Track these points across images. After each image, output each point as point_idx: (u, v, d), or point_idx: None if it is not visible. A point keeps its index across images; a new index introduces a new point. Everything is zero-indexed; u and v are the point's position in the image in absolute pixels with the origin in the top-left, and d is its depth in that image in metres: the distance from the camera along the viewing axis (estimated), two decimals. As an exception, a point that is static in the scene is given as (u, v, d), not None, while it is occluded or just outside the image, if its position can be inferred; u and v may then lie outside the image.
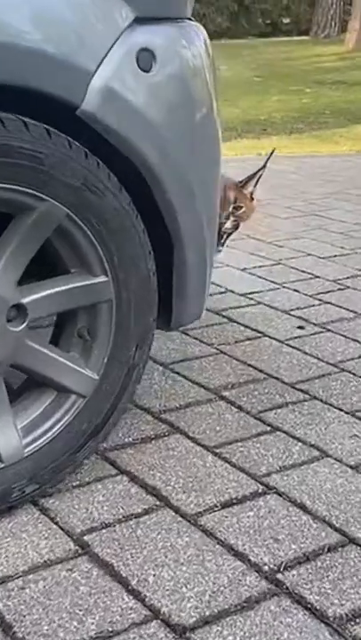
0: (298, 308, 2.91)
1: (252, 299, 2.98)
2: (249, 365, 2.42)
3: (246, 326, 2.72)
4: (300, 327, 2.73)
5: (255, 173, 2.57)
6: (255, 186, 2.57)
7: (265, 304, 2.93)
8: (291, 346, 2.57)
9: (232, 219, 2.50)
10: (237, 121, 7.89)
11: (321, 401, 2.22)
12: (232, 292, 3.05)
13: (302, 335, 2.67)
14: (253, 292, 3.05)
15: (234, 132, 7.29)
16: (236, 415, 2.11)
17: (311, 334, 2.68)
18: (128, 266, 1.64)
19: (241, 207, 2.51)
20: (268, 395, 2.24)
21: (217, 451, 1.94)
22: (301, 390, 2.27)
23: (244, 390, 2.25)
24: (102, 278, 1.62)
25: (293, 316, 2.83)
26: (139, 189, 1.65)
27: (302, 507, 1.73)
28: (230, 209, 2.49)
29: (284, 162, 5.91)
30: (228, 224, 2.50)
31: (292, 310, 2.88)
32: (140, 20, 1.57)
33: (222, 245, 2.53)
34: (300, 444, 1.99)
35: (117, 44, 1.53)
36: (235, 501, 1.74)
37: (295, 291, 3.09)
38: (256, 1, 19.62)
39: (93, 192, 1.55)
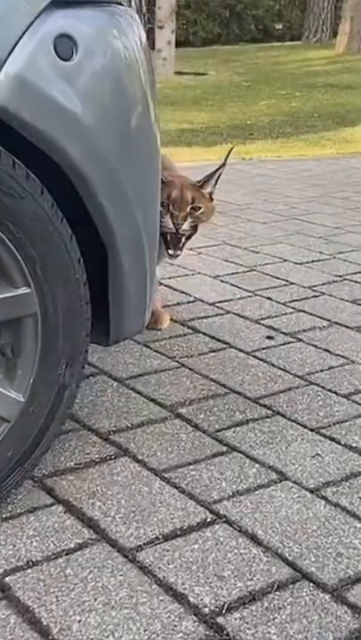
0: (269, 317, 2.75)
1: (221, 308, 2.82)
2: (211, 380, 2.26)
3: (212, 337, 2.56)
4: (269, 337, 2.57)
5: (214, 172, 2.42)
6: (215, 185, 2.42)
7: (234, 313, 2.78)
8: (257, 357, 2.41)
9: (190, 220, 2.34)
10: (223, 126, 7.75)
11: (284, 417, 2.06)
12: (201, 300, 2.89)
13: (271, 346, 2.51)
14: (223, 301, 2.89)
15: (219, 136, 7.15)
16: (191, 435, 1.95)
17: (280, 344, 2.52)
18: (54, 276, 1.48)
19: (199, 207, 2.36)
20: (228, 411, 2.08)
21: (166, 475, 1.78)
22: (264, 406, 2.11)
23: (203, 407, 2.10)
24: (24, 290, 1.47)
25: (263, 325, 2.68)
26: (65, 191, 1.49)
27: (253, 537, 1.57)
28: (188, 209, 2.33)
29: (268, 166, 5.78)
30: (186, 225, 2.34)
31: (262, 319, 2.72)
32: (58, 4, 1.42)
33: (180, 249, 2.38)
34: (257, 465, 1.83)
35: (31, 29, 1.38)
36: (179, 532, 1.58)
37: (268, 298, 2.93)
38: (248, 7, 19.50)
39: (9, 195, 1.40)
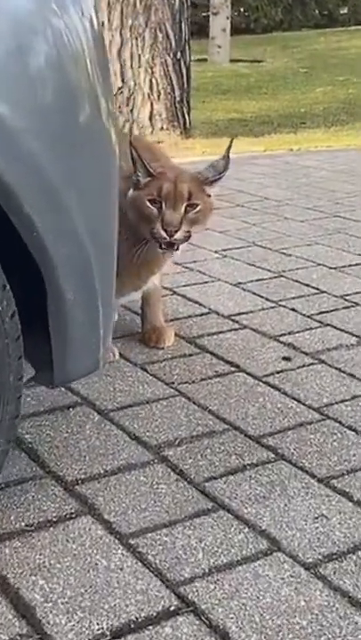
0: (289, 333, 2.40)
1: (236, 321, 2.49)
2: (209, 412, 1.93)
3: (220, 358, 2.23)
4: (286, 358, 2.23)
5: (224, 169, 2.08)
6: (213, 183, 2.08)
7: (251, 328, 2.44)
8: (268, 384, 2.08)
9: (185, 225, 2.00)
10: (274, 115, 7.37)
11: (289, 462, 1.72)
12: (216, 312, 2.56)
13: (286, 369, 2.16)
14: (241, 313, 2.55)
15: (269, 126, 6.77)
16: (173, 486, 1.63)
17: (298, 367, 2.18)
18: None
19: (196, 205, 2.02)
20: (223, 454, 1.75)
21: (132, 542, 1.46)
22: (267, 447, 1.78)
23: (194, 448, 1.77)
24: None
25: (282, 342, 2.33)
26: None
27: (224, 636, 1.24)
28: (182, 208, 2.00)
29: (316, 157, 5.39)
30: (181, 234, 2.00)
31: (281, 335, 2.38)
32: None
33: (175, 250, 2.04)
34: (245, 530, 1.50)
35: None
36: (132, 626, 1.26)
37: (292, 310, 2.58)
38: (311, -8, 18.95)
39: None
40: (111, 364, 2.17)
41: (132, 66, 5.78)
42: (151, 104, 5.82)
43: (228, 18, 11.61)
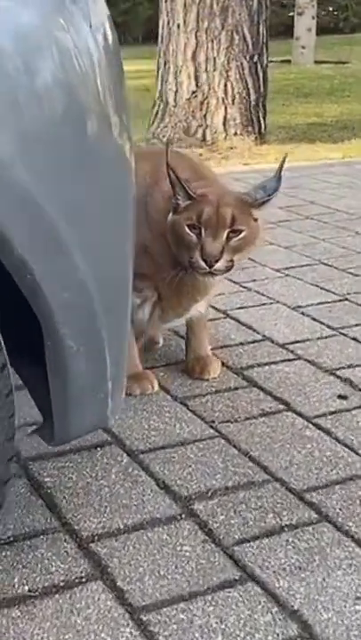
0: (349, 366, 2.20)
1: (291, 351, 2.29)
2: (250, 458, 1.75)
3: (269, 393, 2.04)
4: (342, 397, 2.03)
5: (274, 190, 1.88)
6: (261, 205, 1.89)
7: (306, 359, 2.24)
8: (319, 426, 1.88)
9: (227, 254, 1.82)
10: (356, 119, 7.09)
11: (334, 525, 1.53)
12: (270, 340, 2.37)
13: (341, 409, 1.96)
14: (297, 342, 2.36)
15: (349, 131, 6.51)
16: (198, 549, 1.46)
17: (354, 408, 1.97)
18: None
19: (240, 231, 1.84)
20: (260, 511, 1.56)
21: (144, 618, 1.30)
22: (310, 504, 1.59)
23: (228, 502, 1.59)
24: None
25: (339, 377, 2.13)
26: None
27: None
28: (224, 235, 1.82)
29: None
30: (222, 263, 1.82)
31: (339, 369, 2.18)
32: None
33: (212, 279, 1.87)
34: (275, 609, 1.31)
35: None
36: None
37: (353, 339, 2.38)
38: None
39: None
40: (150, 396, 2.01)
41: (206, 69, 5.61)
42: (225, 108, 5.64)
43: (313, 18, 11.34)
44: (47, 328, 1.09)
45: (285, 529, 1.52)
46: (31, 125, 1.02)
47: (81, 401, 1.17)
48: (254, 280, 2.87)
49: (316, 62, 11.31)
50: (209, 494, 1.62)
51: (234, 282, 2.81)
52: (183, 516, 1.55)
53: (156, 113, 5.82)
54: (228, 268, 1.84)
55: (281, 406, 1.98)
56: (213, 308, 2.54)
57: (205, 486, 1.65)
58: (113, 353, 1.17)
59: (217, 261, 1.80)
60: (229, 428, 1.88)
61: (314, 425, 1.89)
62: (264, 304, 2.65)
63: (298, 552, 1.45)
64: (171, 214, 1.86)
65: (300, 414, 1.94)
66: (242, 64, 5.63)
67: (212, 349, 2.25)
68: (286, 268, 3.01)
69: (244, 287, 2.80)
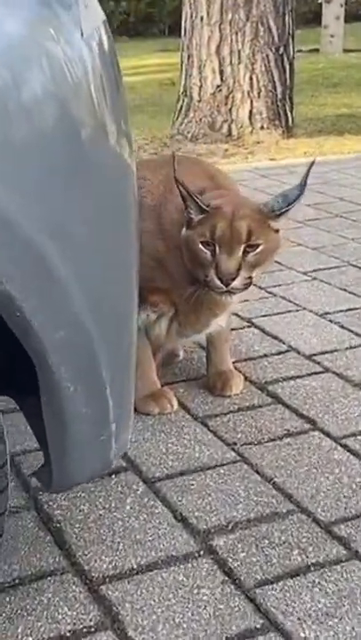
0: (380, 379, 2.07)
1: (319, 363, 2.17)
2: (274, 485, 1.64)
3: (294, 411, 1.92)
4: (372, 414, 1.91)
5: (296, 198, 1.76)
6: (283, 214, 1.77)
7: (334, 372, 2.12)
8: (348, 448, 1.76)
9: (245, 270, 1.71)
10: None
11: (364, 563, 1.41)
12: (296, 351, 2.25)
13: (372, 429, 1.84)
14: (324, 352, 2.24)
15: (378, 122, 6.33)
16: (217, 592, 1.35)
17: (385, 427, 1.85)
18: None
19: (257, 245, 1.72)
20: (284, 547, 1.45)
21: (156, 674, 1.19)
22: (339, 539, 1.47)
23: (249, 537, 1.48)
24: None
25: (369, 392, 2.01)
26: None
27: None
28: (240, 251, 1.70)
29: None
30: (239, 281, 1.71)
31: (369, 383, 2.06)
32: None
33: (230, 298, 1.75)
34: (298, 664, 1.20)
35: None
36: None
37: (384, 349, 2.25)
38: None
39: None
40: (168, 416, 1.91)
41: (231, 62, 5.47)
42: (251, 102, 5.50)
43: (342, 5, 11.12)
44: (41, 368, 0.99)
45: (311, 568, 1.41)
46: (18, 142, 0.91)
47: (80, 445, 1.06)
48: (280, 285, 2.74)
49: (345, 51, 11.09)
50: (229, 527, 1.51)
51: (259, 287, 2.69)
52: (201, 552, 1.45)
53: (181, 108, 5.69)
54: (247, 286, 1.72)
55: (307, 425, 1.86)
56: (237, 315, 2.42)
57: (226, 518, 1.54)
58: (116, 392, 1.06)
59: (233, 279, 1.69)
60: (252, 450, 1.76)
61: (342, 446, 1.77)
62: (290, 311, 2.53)
63: (325, 595, 1.34)
64: (184, 229, 1.75)
65: (327, 434, 1.82)
66: (268, 56, 5.49)
67: (234, 362, 2.14)
68: (314, 271, 2.88)
69: (269, 292, 2.68)
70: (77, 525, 1.52)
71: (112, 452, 1.11)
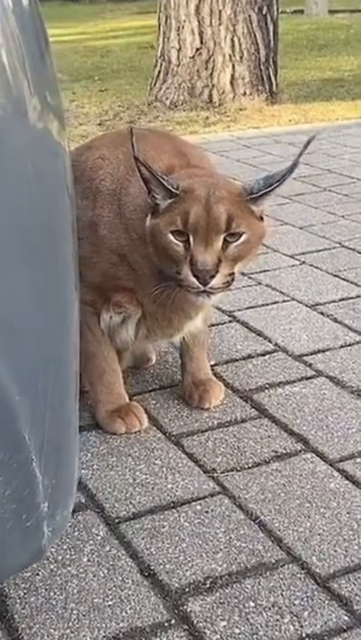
0: (380, 385, 1.81)
1: (310, 365, 1.91)
2: (259, 525, 1.37)
3: (283, 426, 1.66)
4: (374, 430, 1.64)
5: (280, 179, 1.47)
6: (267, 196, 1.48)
7: (328, 375, 1.85)
8: (346, 475, 1.50)
9: (225, 264, 1.43)
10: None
11: (371, 634, 1.15)
12: (284, 350, 1.98)
13: (373, 449, 1.58)
14: (316, 352, 1.97)
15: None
16: None
17: (389, 446, 1.59)
18: None
19: (239, 235, 1.44)
20: (273, 612, 1.19)
21: None
22: (338, 597, 1.21)
23: (231, 598, 1.22)
24: None
25: (369, 401, 1.75)
26: None
27: None
28: (220, 242, 1.42)
29: None
30: (219, 279, 1.43)
31: (369, 389, 1.79)
32: None
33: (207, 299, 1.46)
34: None
35: None
36: None
37: (384, 347, 1.98)
38: None
39: None
40: (137, 434, 1.64)
41: (211, 24, 5.15)
42: (233, 66, 5.19)
43: (326, -36, 10.74)
44: None
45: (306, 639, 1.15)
46: None
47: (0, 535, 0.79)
48: (265, 271, 2.47)
49: (330, 12, 10.74)
50: (207, 585, 1.25)
51: (242, 273, 2.41)
52: (173, 622, 1.19)
53: (158, 73, 5.38)
54: (228, 284, 1.44)
55: (298, 445, 1.60)
56: (217, 309, 2.15)
57: (203, 572, 1.27)
58: (49, 462, 0.79)
59: (212, 277, 1.41)
60: (234, 479, 1.50)
61: (340, 472, 1.51)
62: (276, 302, 2.26)
63: None
64: (149, 218, 1.46)
65: (321, 456, 1.56)
66: (250, 17, 5.16)
67: (214, 365, 1.87)
68: (302, 254, 2.61)
69: (253, 280, 2.41)
70: (23, 586, 1.25)
71: (44, 539, 0.84)
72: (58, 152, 0.82)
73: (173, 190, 1.41)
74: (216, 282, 1.41)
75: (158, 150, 1.51)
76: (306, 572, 1.27)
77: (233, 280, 1.45)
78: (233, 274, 1.44)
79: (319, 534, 1.35)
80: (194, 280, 1.41)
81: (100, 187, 1.54)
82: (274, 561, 1.30)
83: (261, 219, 1.49)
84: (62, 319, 0.80)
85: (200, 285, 1.41)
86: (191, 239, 1.41)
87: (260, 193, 1.46)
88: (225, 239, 1.42)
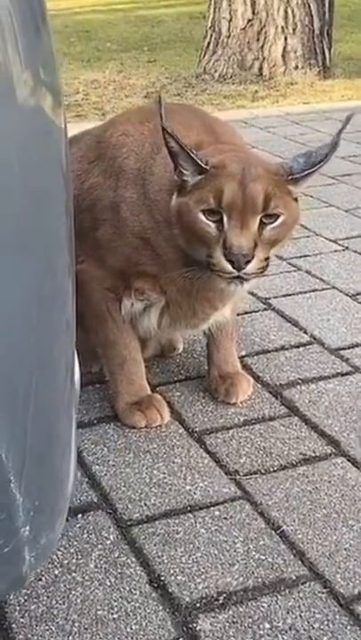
0: None
1: (347, 360, 1.80)
2: (281, 536, 1.28)
3: (314, 426, 1.56)
4: None
5: (323, 159, 1.36)
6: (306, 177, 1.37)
7: (366, 372, 1.74)
8: (379, 484, 1.39)
9: (260, 257, 1.32)
10: None
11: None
12: (320, 343, 1.87)
13: None
14: (355, 346, 1.86)
15: None
16: None
17: None
18: None
19: (276, 216, 1.33)
20: (289, 636, 1.10)
21: None
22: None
23: (245, 616, 1.13)
24: None
25: None
26: None
27: None
28: (256, 223, 1.31)
29: None
30: (255, 264, 1.32)
31: None
32: None
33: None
34: None
35: None
36: None
37: None
38: None
39: None
40: (157, 429, 1.55)
41: (264, -7, 4.98)
42: (285, 39, 5.03)
43: None
44: None
45: (324, 670, 1.05)
46: None
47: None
48: (305, 256, 2.35)
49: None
50: (220, 600, 1.16)
51: (280, 257, 2.31)
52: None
53: (208, 45, 5.23)
54: (262, 270, 1.33)
55: (329, 448, 1.49)
56: (252, 294, 2.05)
57: (216, 586, 1.18)
58: (31, 480, 0.70)
59: (248, 262, 1.30)
60: (258, 483, 1.40)
61: (372, 480, 1.40)
62: (315, 290, 2.15)
63: None
64: (175, 196, 1.36)
65: (353, 462, 1.46)
66: (305, -13, 4.99)
67: (244, 356, 1.78)
68: (346, 239, 2.49)
69: (293, 266, 2.29)
70: (24, 592, 1.17)
71: (25, 565, 0.75)
72: (51, 130, 0.72)
73: (203, 166, 1.31)
74: (251, 267, 1.30)
75: (186, 126, 1.40)
76: (328, 591, 1.18)
77: (267, 265, 1.34)
78: (268, 258, 1.33)
79: (345, 549, 1.25)
80: (227, 265, 1.30)
81: (122, 165, 1.44)
82: (294, 577, 1.20)
83: (296, 200, 1.38)
84: (48, 319, 0.70)
85: (234, 271, 1.30)
86: (225, 219, 1.30)
87: (304, 174, 1.35)
88: (261, 220, 1.31)
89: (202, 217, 1.32)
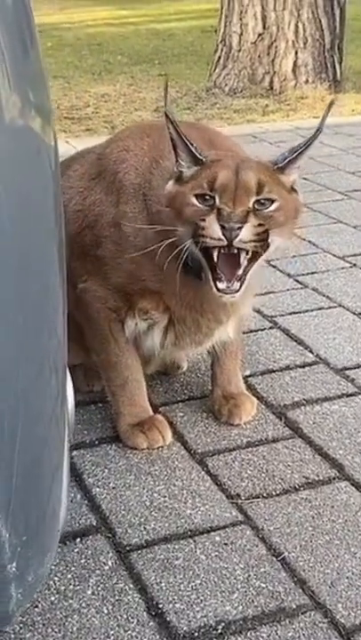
0: None
1: (353, 380, 1.77)
2: (282, 563, 1.25)
3: (318, 449, 1.53)
4: None
5: (300, 146, 1.36)
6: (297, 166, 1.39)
7: (372, 393, 1.71)
8: (383, 510, 1.37)
9: (253, 221, 1.30)
10: None
11: None
12: (325, 363, 1.84)
13: None
14: (360, 366, 1.83)
15: None
16: None
17: None
18: None
19: (271, 201, 1.32)
20: (287, 669, 1.07)
21: None
22: (363, 658, 1.09)
23: (243, 648, 1.10)
24: None
25: None
26: None
27: None
28: (251, 202, 1.30)
29: None
30: (246, 232, 1.29)
31: None
32: None
33: (238, 280, 1.33)
34: None
35: None
36: None
37: None
38: None
39: None
40: (159, 450, 1.53)
41: (275, 8, 4.98)
42: (296, 53, 5.01)
43: None
44: None
45: None
46: None
47: None
48: (313, 272, 2.33)
49: None
50: (219, 630, 1.14)
51: (287, 274, 2.29)
52: (176, 672, 1.07)
53: (219, 59, 5.22)
54: (259, 243, 1.31)
55: (332, 472, 1.47)
56: (257, 312, 2.03)
57: (215, 616, 1.16)
58: (17, 515, 0.68)
59: (240, 228, 1.28)
60: (259, 508, 1.38)
61: (376, 506, 1.38)
62: (321, 308, 2.12)
63: None
64: (171, 183, 1.36)
65: (357, 485, 1.43)
66: (315, 1, 4.98)
67: (249, 376, 1.75)
68: (354, 256, 2.46)
69: (299, 283, 2.27)
70: (20, 619, 1.15)
71: (12, 603, 0.73)
72: (40, 150, 0.71)
73: (199, 156, 1.32)
74: (245, 234, 1.28)
75: (190, 135, 1.40)
76: (329, 621, 1.15)
77: (265, 241, 1.32)
78: (266, 232, 1.31)
79: (347, 577, 1.23)
80: (218, 231, 1.28)
81: (123, 180, 1.43)
82: (295, 606, 1.18)
83: (293, 190, 1.38)
84: (36, 344, 0.68)
85: (224, 239, 1.28)
86: (217, 199, 1.30)
87: (286, 161, 1.36)
88: (256, 204, 1.31)
89: (194, 200, 1.33)
